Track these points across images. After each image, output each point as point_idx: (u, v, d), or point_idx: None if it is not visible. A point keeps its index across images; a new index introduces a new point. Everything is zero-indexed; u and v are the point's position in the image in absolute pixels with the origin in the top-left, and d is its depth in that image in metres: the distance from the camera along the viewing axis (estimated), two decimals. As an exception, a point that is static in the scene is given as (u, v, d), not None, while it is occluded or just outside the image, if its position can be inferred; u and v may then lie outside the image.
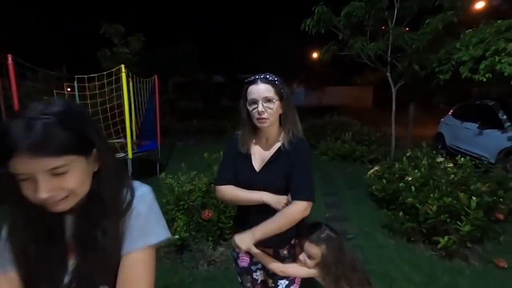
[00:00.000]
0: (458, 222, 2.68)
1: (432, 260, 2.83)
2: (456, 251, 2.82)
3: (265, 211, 1.24)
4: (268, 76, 1.24)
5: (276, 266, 1.32)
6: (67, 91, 6.00)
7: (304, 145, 1.27)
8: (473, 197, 2.68)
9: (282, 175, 1.24)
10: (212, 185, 3.08)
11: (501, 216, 3.05)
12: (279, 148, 1.28)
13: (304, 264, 1.35)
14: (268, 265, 1.33)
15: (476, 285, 2.47)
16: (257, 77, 1.24)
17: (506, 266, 2.68)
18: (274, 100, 1.22)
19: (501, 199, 3.12)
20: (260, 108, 1.20)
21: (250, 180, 1.27)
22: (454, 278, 2.56)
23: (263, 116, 1.21)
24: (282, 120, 1.29)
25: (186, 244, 2.92)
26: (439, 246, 2.73)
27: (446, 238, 2.70)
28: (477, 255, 2.88)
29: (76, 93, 5.93)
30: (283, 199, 1.23)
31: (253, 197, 1.25)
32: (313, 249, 1.33)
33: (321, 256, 1.33)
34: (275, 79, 1.25)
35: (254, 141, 1.34)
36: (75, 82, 5.87)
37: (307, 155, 1.26)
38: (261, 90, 1.21)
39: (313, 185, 1.23)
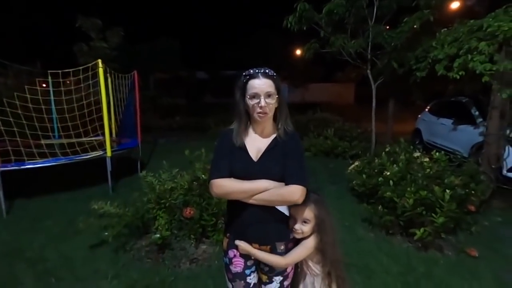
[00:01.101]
0: (433, 214, 2.78)
1: (409, 252, 2.94)
2: (431, 242, 2.94)
3: (260, 208, 1.25)
4: (267, 71, 1.27)
5: (278, 262, 1.32)
6: (42, 87, 5.73)
7: (297, 136, 1.35)
8: (447, 190, 2.79)
9: (279, 163, 1.26)
10: (194, 183, 3.05)
11: (473, 208, 3.20)
12: (275, 138, 1.33)
13: (301, 233, 1.35)
14: (270, 262, 1.32)
15: (449, 273, 2.59)
16: (257, 71, 1.26)
17: (477, 255, 2.82)
18: (274, 95, 1.26)
19: (473, 192, 3.27)
20: (263, 103, 1.23)
21: (248, 170, 1.26)
22: (429, 268, 2.67)
23: (265, 111, 1.25)
24: (278, 113, 1.34)
25: (168, 243, 2.88)
26: (415, 237, 2.83)
27: (422, 230, 2.80)
28: (451, 245, 3.01)
29: (51, 89, 5.68)
30: (282, 185, 1.23)
31: (257, 186, 1.22)
32: (305, 212, 1.34)
33: (314, 217, 1.36)
34: (274, 74, 1.28)
35: (249, 133, 1.35)
36: (49, 77, 5.62)
37: (300, 145, 1.35)
38: (263, 85, 1.23)
39: (307, 173, 1.26)
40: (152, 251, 2.87)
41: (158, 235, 2.72)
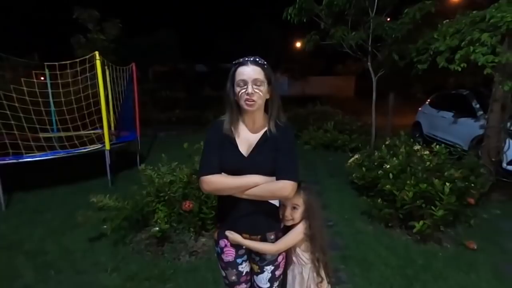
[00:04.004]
0: (433, 207, 2.78)
1: (408, 244, 2.94)
2: (430, 235, 2.94)
3: (250, 201, 1.25)
4: (257, 59, 1.23)
5: (269, 249, 1.33)
6: (40, 79, 5.68)
7: (290, 129, 1.31)
8: (446, 183, 2.78)
9: (270, 158, 1.23)
10: (193, 176, 3.03)
11: (472, 201, 3.19)
12: (266, 131, 1.29)
13: (292, 220, 1.39)
14: (262, 250, 1.33)
15: (448, 266, 2.60)
16: (246, 59, 1.22)
17: (475, 248, 2.83)
18: (263, 84, 1.21)
19: (472, 185, 3.26)
20: (250, 89, 1.18)
21: (238, 166, 1.24)
22: (428, 261, 2.67)
23: (253, 98, 1.19)
24: (269, 106, 1.29)
25: (167, 236, 2.88)
26: (414, 230, 2.83)
27: (421, 222, 2.80)
28: (450, 238, 3.02)
29: (48, 81, 5.63)
30: (273, 180, 1.22)
31: (247, 182, 1.21)
32: (294, 199, 1.36)
33: (303, 203, 1.39)
34: (264, 62, 1.24)
35: (240, 125, 1.31)
36: (46, 69, 5.56)
37: (293, 138, 1.30)
38: (251, 71, 1.19)
39: (298, 168, 1.24)
40: (151, 244, 2.88)
41: (157, 228, 2.72)
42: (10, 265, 2.65)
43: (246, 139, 1.29)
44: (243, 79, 1.19)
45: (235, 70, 1.23)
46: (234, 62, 1.25)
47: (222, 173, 1.25)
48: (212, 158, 1.26)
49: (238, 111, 1.30)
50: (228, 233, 1.33)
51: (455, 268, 2.56)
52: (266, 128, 1.29)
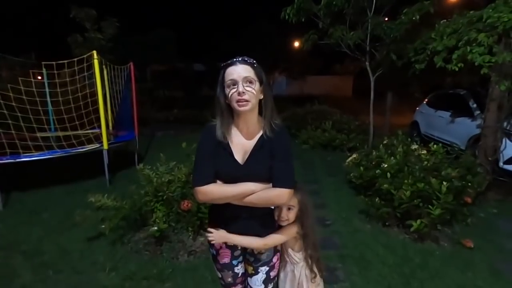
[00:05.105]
0: (430, 206, 2.80)
1: (405, 243, 2.96)
2: (428, 234, 2.96)
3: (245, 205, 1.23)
4: (246, 58, 1.18)
5: (257, 242, 1.32)
6: (37, 79, 5.66)
7: (285, 132, 1.27)
8: (443, 182, 2.80)
9: (267, 165, 1.20)
10: (192, 175, 3.03)
11: (469, 200, 3.22)
12: (262, 136, 1.24)
13: (287, 220, 1.40)
14: (249, 245, 1.32)
15: (445, 264, 2.62)
16: (234, 59, 1.17)
17: (472, 246, 2.85)
18: (255, 82, 1.16)
19: (469, 184, 3.29)
20: (241, 88, 1.13)
21: (234, 174, 1.20)
22: (425, 259, 2.69)
23: (244, 97, 1.13)
24: (263, 107, 1.24)
25: (166, 235, 2.89)
26: (412, 229, 2.85)
27: (418, 221, 2.82)
28: (447, 237, 3.04)
29: (46, 81, 5.61)
30: (269, 186, 1.21)
31: (244, 191, 1.18)
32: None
33: (298, 203, 1.41)
34: (254, 61, 1.19)
35: (233, 131, 1.26)
36: (43, 69, 5.54)
37: (289, 143, 1.26)
38: (240, 70, 1.14)
39: (293, 172, 1.22)
40: (150, 243, 2.88)
41: (155, 228, 2.71)
42: (8, 265, 2.64)
43: (241, 145, 1.25)
44: (233, 79, 1.14)
45: (224, 72, 1.19)
46: (222, 65, 1.21)
47: (217, 181, 1.22)
48: (205, 167, 1.21)
49: (230, 115, 1.25)
50: (212, 229, 1.30)
51: (452, 267, 2.58)
52: (261, 132, 1.25)
